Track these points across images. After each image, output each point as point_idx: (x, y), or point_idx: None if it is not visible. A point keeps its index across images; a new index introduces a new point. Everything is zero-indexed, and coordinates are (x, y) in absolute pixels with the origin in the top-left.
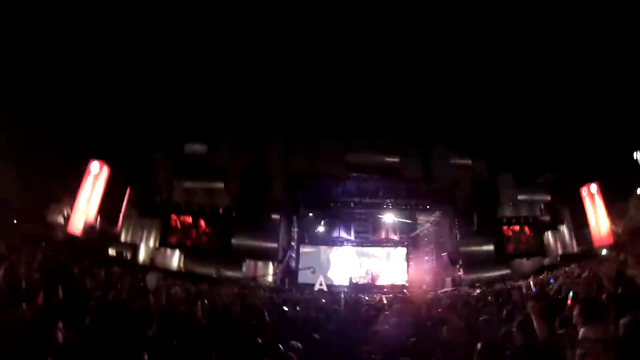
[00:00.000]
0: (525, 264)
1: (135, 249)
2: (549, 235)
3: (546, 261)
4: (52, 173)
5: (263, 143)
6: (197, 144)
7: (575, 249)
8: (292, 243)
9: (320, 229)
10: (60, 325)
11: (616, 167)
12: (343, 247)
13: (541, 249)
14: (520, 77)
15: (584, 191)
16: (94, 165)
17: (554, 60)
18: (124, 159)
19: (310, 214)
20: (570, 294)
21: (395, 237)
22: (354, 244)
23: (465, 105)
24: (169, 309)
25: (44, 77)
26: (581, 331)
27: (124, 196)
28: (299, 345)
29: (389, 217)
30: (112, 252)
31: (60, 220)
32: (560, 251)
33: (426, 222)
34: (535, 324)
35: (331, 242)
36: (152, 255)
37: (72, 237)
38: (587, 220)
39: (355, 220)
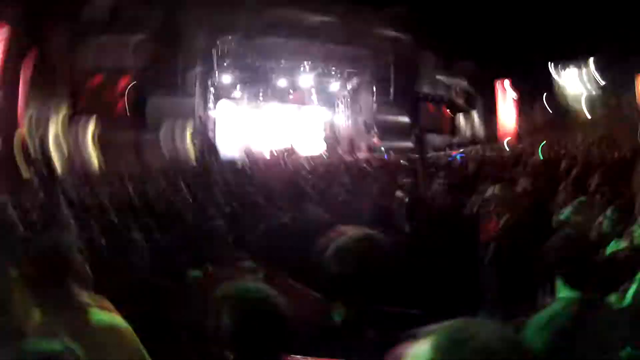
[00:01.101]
0: (436, 139)
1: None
2: (460, 118)
3: (455, 140)
4: None
5: None
6: None
7: (482, 134)
8: (210, 103)
9: (239, 90)
10: None
11: (529, 69)
12: (263, 106)
13: (452, 129)
14: None
15: (497, 84)
16: None
17: None
18: (24, 23)
19: (228, 74)
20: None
21: (313, 101)
22: (274, 104)
23: None
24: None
25: None
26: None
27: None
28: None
29: (308, 81)
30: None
31: None
32: (468, 133)
33: (344, 88)
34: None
35: (250, 101)
36: (63, 127)
37: None
38: (496, 111)
39: (274, 81)
